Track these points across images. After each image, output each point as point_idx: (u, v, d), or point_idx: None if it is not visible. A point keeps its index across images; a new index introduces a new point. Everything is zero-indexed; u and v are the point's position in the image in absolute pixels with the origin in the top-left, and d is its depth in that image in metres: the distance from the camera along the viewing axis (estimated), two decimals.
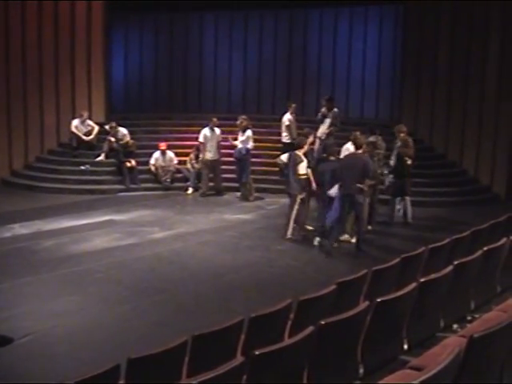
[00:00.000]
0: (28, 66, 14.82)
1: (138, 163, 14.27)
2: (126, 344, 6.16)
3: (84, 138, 14.85)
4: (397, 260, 5.78)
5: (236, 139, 13.44)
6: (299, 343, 3.58)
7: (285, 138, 13.75)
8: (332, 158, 9.97)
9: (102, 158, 14.59)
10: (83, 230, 10.64)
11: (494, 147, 13.48)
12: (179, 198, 13.47)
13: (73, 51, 15.37)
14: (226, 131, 14.02)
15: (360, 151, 9.50)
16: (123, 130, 14.67)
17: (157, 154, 14.27)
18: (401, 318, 4.41)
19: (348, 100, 16.60)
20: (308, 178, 9.92)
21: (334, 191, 9.53)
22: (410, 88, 15.32)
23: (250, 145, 13.25)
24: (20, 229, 10.67)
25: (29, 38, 14.73)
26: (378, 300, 4.14)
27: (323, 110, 13.30)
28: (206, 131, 13.55)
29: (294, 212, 9.88)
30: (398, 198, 11.16)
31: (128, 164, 14.11)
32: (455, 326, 5.05)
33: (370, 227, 10.38)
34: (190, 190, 13.83)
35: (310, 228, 10.27)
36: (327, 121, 13.17)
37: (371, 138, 10.53)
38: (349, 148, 10.65)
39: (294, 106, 13.86)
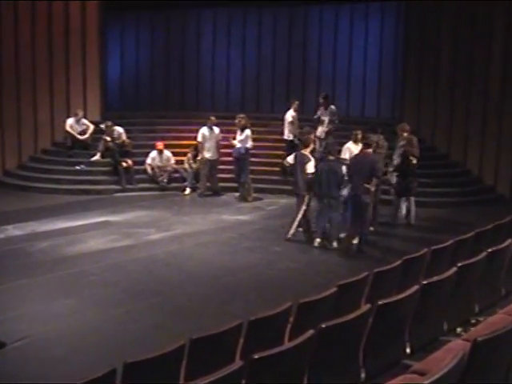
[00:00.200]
0: (21, 65, 14.84)
1: (134, 163, 14.26)
2: (121, 348, 6.14)
3: (79, 137, 14.84)
4: (399, 262, 5.78)
5: (234, 138, 13.45)
6: (299, 347, 3.58)
7: (287, 135, 13.79)
8: (331, 157, 9.93)
9: (97, 157, 14.58)
10: (78, 231, 10.63)
11: (498, 147, 13.49)
12: (176, 199, 13.47)
13: (67, 50, 15.37)
14: (225, 130, 14.03)
15: (370, 150, 9.55)
16: (119, 129, 14.66)
17: (153, 154, 14.26)
18: (403, 321, 4.40)
19: (349, 98, 16.62)
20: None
21: (345, 192, 9.65)
22: (412, 86, 15.32)
23: (249, 144, 13.24)
24: (14, 230, 10.65)
25: (22, 37, 14.75)
26: (380, 303, 4.13)
27: (319, 111, 13.44)
28: (204, 130, 13.54)
29: (301, 212, 9.87)
30: (403, 199, 11.16)
31: (124, 164, 14.10)
32: (459, 329, 5.04)
33: (372, 228, 10.40)
34: (188, 191, 13.83)
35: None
36: (325, 119, 13.24)
37: (373, 138, 10.53)
38: (350, 147, 10.69)
39: (297, 103, 13.95)
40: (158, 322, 6.96)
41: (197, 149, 13.87)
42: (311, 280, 8.33)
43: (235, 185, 13.45)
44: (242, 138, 13.19)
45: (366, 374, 4.09)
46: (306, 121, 13.91)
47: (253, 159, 13.63)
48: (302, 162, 9.96)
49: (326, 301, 4.92)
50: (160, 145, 14.30)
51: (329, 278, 7.84)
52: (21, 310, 7.21)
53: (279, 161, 14.12)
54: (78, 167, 14.43)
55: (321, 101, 13.72)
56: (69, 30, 15.31)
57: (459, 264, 5.01)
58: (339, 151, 10.75)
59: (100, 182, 14.16)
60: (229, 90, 17.39)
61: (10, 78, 14.72)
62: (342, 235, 9.82)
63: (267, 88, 17.12)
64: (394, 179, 11.16)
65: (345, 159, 10.61)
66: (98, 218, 11.57)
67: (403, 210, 11.21)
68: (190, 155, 14.22)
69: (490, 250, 5.53)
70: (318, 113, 13.67)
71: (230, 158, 13.54)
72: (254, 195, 13.31)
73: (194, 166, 14.01)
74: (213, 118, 13.65)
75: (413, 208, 11.11)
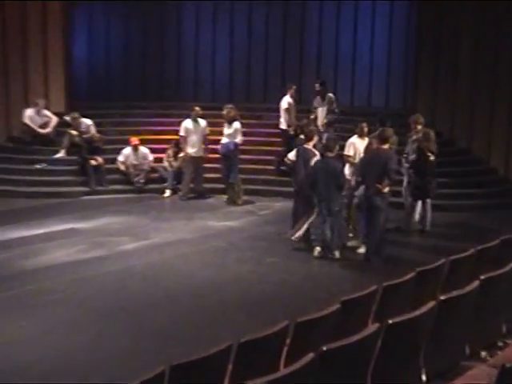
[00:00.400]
0: None
1: (105, 161, 14.25)
2: (89, 379, 6.11)
3: (40, 130, 14.80)
4: (412, 274, 5.78)
5: (221, 133, 13.45)
6: (297, 373, 3.56)
7: (282, 124, 13.82)
8: (330, 154, 9.85)
9: (61, 154, 14.55)
10: (39, 240, 10.61)
11: None
12: (154, 202, 13.47)
13: (24, 30, 15.22)
14: (211, 123, 14.00)
15: (386, 146, 9.60)
16: (87, 122, 14.64)
17: (127, 151, 14.24)
18: (417, 343, 4.40)
19: (354, 87, 16.69)
20: None
21: (359, 192, 9.79)
22: (427, 73, 15.37)
23: (239, 139, 13.24)
24: None
25: None
26: (390, 322, 4.12)
27: (315, 101, 13.47)
28: (187, 123, 13.54)
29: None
30: (419, 202, 11.13)
31: (93, 162, 14.08)
32: (483, 353, 5.04)
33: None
34: (168, 193, 13.82)
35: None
36: (324, 109, 13.29)
37: (389, 131, 10.53)
38: (355, 142, 10.70)
39: (294, 87, 13.99)
40: (132, 347, 6.94)
41: (178, 145, 13.86)
42: (310, 295, 8.36)
43: (223, 186, 13.45)
44: (231, 132, 13.19)
45: None
46: (303, 112, 13.94)
47: (243, 156, 13.64)
48: (305, 157, 9.95)
49: (327, 319, 4.92)
50: (135, 140, 14.28)
51: (331, 293, 7.88)
52: None
53: (274, 158, 14.18)
54: (38, 166, 14.38)
55: (317, 88, 13.71)
56: (26, 7, 15.18)
57: (482, 277, 5.01)
58: (342, 147, 10.75)
59: (65, 184, 14.12)
60: (214, 77, 17.38)
61: None
62: (351, 243, 9.85)
63: (259, 75, 17.14)
64: (405, 178, 11.17)
65: (349, 156, 10.62)
66: (63, 225, 11.54)
67: (417, 215, 11.22)
68: (170, 152, 14.22)
69: None
70: (315, 103, 13.68)
71: (217, 155, 13.53)
72: (245, 198, 13.31)
73: (174, 164, 14.01)
74: (197, 109, 13.65)
75: (429, 212, 11.11)
